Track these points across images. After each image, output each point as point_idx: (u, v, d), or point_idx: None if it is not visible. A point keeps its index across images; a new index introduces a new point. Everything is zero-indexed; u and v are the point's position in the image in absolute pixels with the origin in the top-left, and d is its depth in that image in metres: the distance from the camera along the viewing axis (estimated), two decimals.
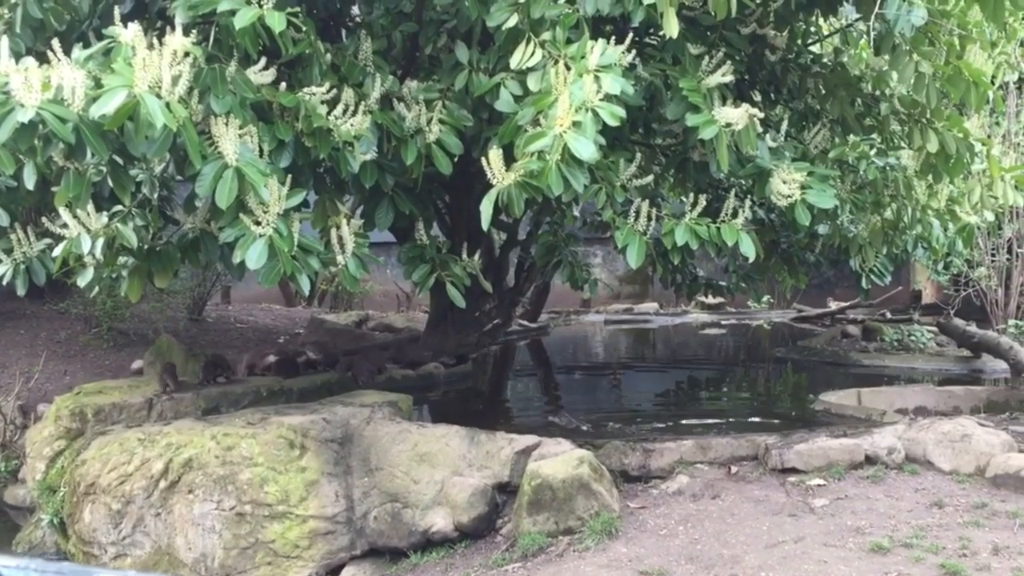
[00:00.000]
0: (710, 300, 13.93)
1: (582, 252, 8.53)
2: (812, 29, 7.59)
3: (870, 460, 5.29)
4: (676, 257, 5.88)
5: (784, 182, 5.65)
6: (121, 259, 5.28)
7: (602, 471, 4.99)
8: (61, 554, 5.56)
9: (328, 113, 5.13)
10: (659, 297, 16.06)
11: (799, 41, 7.28)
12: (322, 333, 10.15)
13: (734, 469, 5.35)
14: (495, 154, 4.85)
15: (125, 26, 4.53)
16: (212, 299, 11.09)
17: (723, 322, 14.00)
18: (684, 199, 8.20)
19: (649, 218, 5.59)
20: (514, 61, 5.21)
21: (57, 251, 5.01)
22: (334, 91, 5.23)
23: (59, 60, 4.33)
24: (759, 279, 9.08)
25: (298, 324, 11.37)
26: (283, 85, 5.16)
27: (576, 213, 8.39)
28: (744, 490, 5.07)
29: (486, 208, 4.89)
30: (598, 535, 4.64)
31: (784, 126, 6.37)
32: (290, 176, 4.94)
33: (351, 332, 10.50)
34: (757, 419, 7.14)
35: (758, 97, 7.20)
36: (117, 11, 4.80)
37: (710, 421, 7.04)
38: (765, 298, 14.60)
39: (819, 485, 5.05)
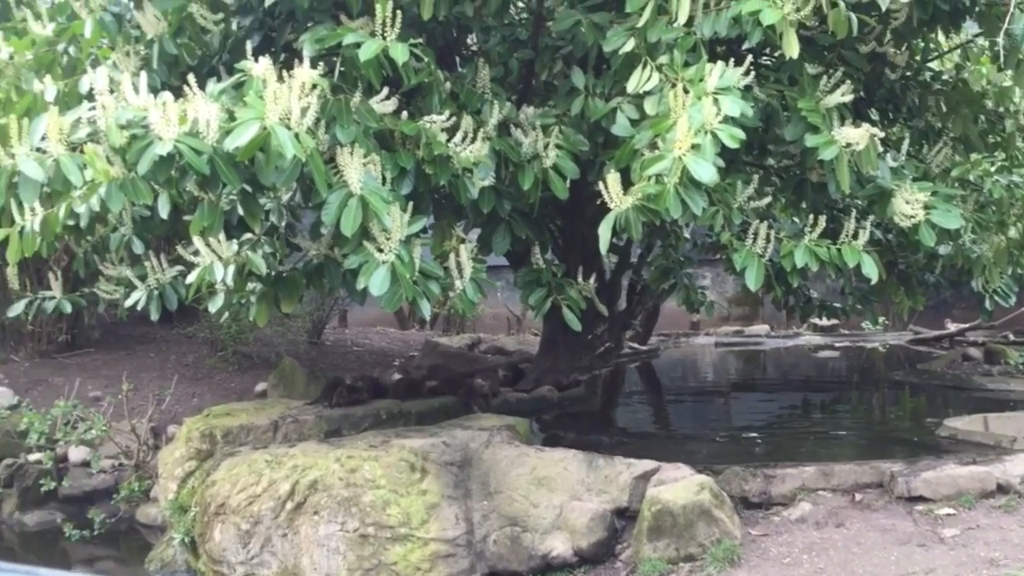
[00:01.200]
0: (823, 322, 13.59)
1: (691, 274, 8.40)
2: (931, 46, 7.39)
3: (1002, 489, 5.07)
4: (795, 279, 5.77)
5: (907, 202, 5.49)
6: (250, 285, 5.40)
7: (723, 497, 4.89)
8: (192, 573, 5.69)
9: (448, 140, 5.18)
10: (769, 319, 15.75)
11: (918, 58, 7.10)
12: (436, 356, 10.22)
13: (858, 497, 5.18)
14: (613, 178, 4.82)
15: (256, 60, 4.65)
16: (330, 322, 11.27)
17: (837, 344, 13.66)
18: (796, 220, 8.11)
19: (767, 240, 5.50)
20: (631, 85, 5.20)
21: (191, 278, 5.15)
22: (453, 119, 5.28)
23: (194, 94, 4.45)
24: (876, 301, 8.84)
25: (412, 347, 11.48)
26: (404, 114, 5.24)
27: (687, 235, 8.30)
28: (870, 518, 4.91)
29: (604, 232, 4.86)
30: (720, 562, 4.54)
31: (905, 145, 6.20)
32: (411, 203, 4.99)
33: (464, 355, 10.54)
34: (879, 445, 6.92)
35: (876, 116, 7.03)
36: (249, 45, 4.91)
37: (829, 448, 6.86)
38: (880, 320, 14.24)
39: (948, 514, 4.86)
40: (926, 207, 5.45)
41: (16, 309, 6.26)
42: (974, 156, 7.47)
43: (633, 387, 10.95)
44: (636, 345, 11.93)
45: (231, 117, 4.42)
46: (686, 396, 10.00)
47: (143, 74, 4.67)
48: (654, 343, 12.84)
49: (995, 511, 4.88)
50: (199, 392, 8.21)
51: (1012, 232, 7.53)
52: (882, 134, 5.74)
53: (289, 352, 9.11)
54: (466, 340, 12.00)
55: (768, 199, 5.97)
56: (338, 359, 9.97)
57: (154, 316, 5.86)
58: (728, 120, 4.59)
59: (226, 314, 5.70)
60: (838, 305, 8.99)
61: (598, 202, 7.37)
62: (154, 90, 4.67)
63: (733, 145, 4.56)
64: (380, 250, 4.76)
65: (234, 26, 5.88)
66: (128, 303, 5.92)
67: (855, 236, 5.56)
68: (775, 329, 14.95)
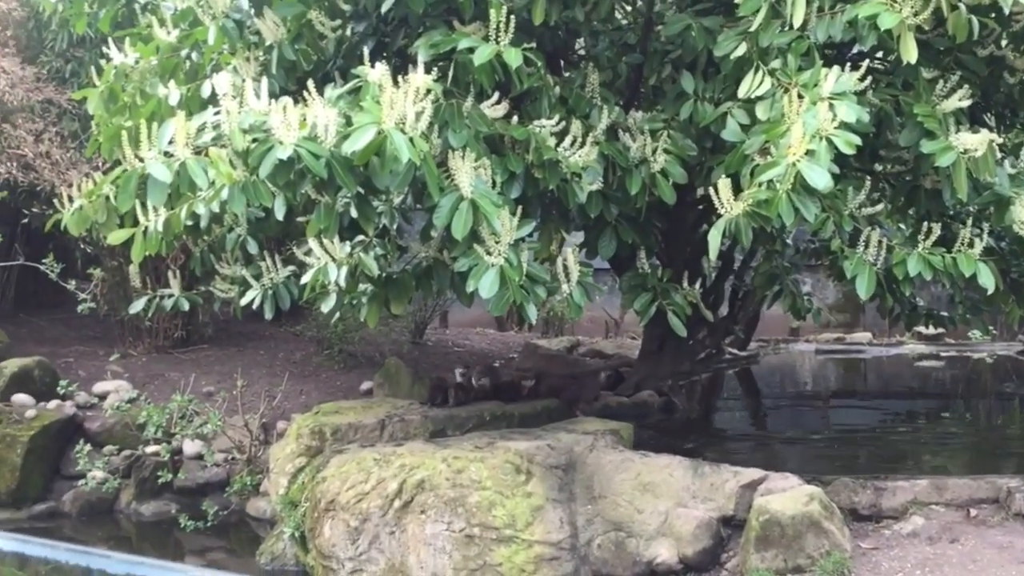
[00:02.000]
0: (927, 331, 13.20)
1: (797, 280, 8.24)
2: None
3: None
4: (908, 288, 5.65)
5: None
6: (361, 286, 5.46)
7: (832, 509, 4.78)
8: (300, 567, 5.78)
9: (557, 145, 5.17)
10: (871, 326, 15.38)
11: None
12: (536, 358, 10.21)
13: (973, 512, 5.02)
14: (724, 183, 4.76)
15: (372, 66, 4.70)
16: (431, 323, 11.35)
17: (942, 354, 13.25)
18: (902, 226, 7.90)
19: (879, 247, 5.36)
20: (742, 90, 5.12)
21: (306, 278, 5.24)
22: (562, 123, 5.27)
23: (313, 99, 4.52)
24: (987, 310, 8.55)
25: (512, 348, 11.49)
26: (514, 118, 5.24)
27: (789, 241, 8.15)
28: (985, 535, 4.75)
29: (714, 238, 4.79)
30: (829, 575, 4.43)
31: None
32: (519, 207, 4.98)
33: (564, 358, 10.52)
34: (991, 459, 6.70)
35: (993, 121, 6.80)
36: (365, 50, 4.97)
37: (939, 462, 6.66)
38: (988, 329, 13.78)
39: None
40: None
41: (137, 306, 6.45)
42: None
43: (734, 393, 10.79)
44: (736, 351, 11.75)
45: (348, 122, 4.47)
46: (786, 403, 9.81)
47: (264, 80, 4.75)
48: (754, 349, 12.62)
49: None
50: (306, 389, 8.34)
51: None
52: (1000, 140, 5.57)
53: (393, 352, 9.20)
54: (565, 343, 11.96)
55: (881, 206, 5.81)
56: (440, 359, 10.03)
57: (268, 315, 5.98)
58: (843, 126, 4.49)
59: (337, 314, 5.78)
60: (945, 314, 8.72)
61: (701, 207, 7.38)
62: (273, 95, 4.74)
63: (849, 151, 4.46)
64: (489, 253, 4.77)
65: (348, 32, 5.95)
66: (244, 301, 6.06)
67: (971, 244, 5.38)
68: (877, 337, 14.58)
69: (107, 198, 5.22)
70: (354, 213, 5.01)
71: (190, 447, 7.42)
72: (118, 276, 8.71)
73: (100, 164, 7.52)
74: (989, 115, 6.79)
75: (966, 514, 5.02)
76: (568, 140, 5.18)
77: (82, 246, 8.49)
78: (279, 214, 5.11)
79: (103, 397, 7.97)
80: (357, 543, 5.24)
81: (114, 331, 9.15)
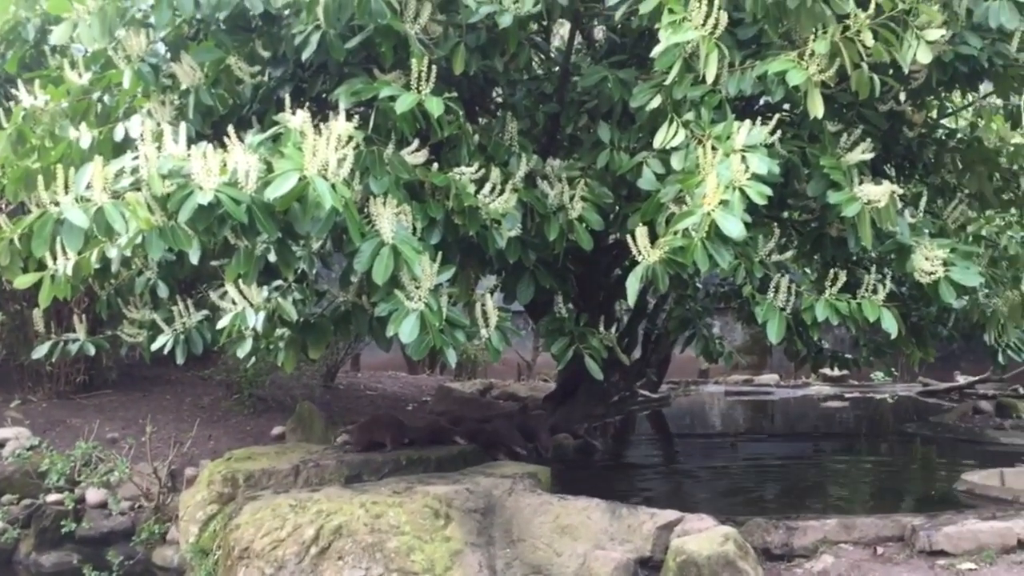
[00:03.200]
0: (832, 372, 13.63)
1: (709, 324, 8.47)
2: (946, 104, 7.53)
3: (1022, 544, 5.11)
4: (816, 332, 5.87)
5: (926, 259, 5.58)
6: (278, 331, 5.48)
7: (747, 548, 4.93)
8: None
9: (476, 192, 5.28)
10: (777, 368, 15.80)
11: (934, 115, 7.24)
12: (449, 402, 10.28)
13: (880, 550, 5.23)
14: (641, 231, 4.91)
15: (292, 112, 4.77)
16: (343, 367, 11.33)
17: (846, 395, 13.70)
18: (809, 272, 8.20)
19: (788, 293, 5.58)
20: (657, 140, 5.30)
21: (223, 323, 5.24)
22: (482, 170, 5.38)
23: (233, 145, 4.55)
24: (890, 352, 8.90)
25: (424, 392, 11.53)
26: (435, 165, 5.34)
27: (699, 285, 8.39)
28: (892, 572, 4.96)
29: (632, 284, 4.94)
30: None
31: (923, 201, 6.30)
32: (439, 252, 5.08)
33: (477, 401, 10.61)
34: (894, 498, 6.97)
35: (893, 172, 7.16)
36: (287, 98, 5.03)
37: (844, 501, 6.90)
38: (889, 371, 14.28)
39: (970, 570, 4.91)
40: (945, 264, 5.54)
41: (41, 351, 6.34)
42: (989, 212, 7.59)
43: (645, 435, 10.98)
44: (647, 393, 11.97)
45: (269, 168, 4.52)
46: (698, 445, 10.03)
47: (182, 124, 4.78)
48: (664, 391, 12.87)
49: (1016, 566, 4.93)
50: (215, 435, 8.24)
51: None
52: (901, 190, 5.86)
53: (304, 396, 9.16)
54: (478, 386, 12.04)
55: (790, 253, 6.06)
56: (352, 403, 10.02)
57: (180, 360, 5.95)
58: (755, 177, 4.70)
59: (252, 359, 5.77)
60: (850, 356, 9.05)
61: (615, 252, 7.57)
62: (189, 139, 4.77)
63: (761, 201, 4.66)
64: (410, 298, 4.84)
65: (266, 77, 6.00)
66: (155, 347, 6.00)
67: (874, 290, 5.63)
68: (784, 378, 14.99)
69: (11, 241, 5.13)
70: (273, 258, 5.05)
71: (94, 495, 7.26)
72: (18, 320, 8.53)
73: (3, 206, 7.38)
74: (890, 167, 7.15)
75: (873, 552, 5.22)
76: (488, 187, 5.30)
77: None
78: (194, 259, 5.11)
79: (2, 444, 7.76)
80: None
81: (13, 376, 8.93)
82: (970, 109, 7.80)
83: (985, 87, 6.95)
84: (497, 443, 7.20)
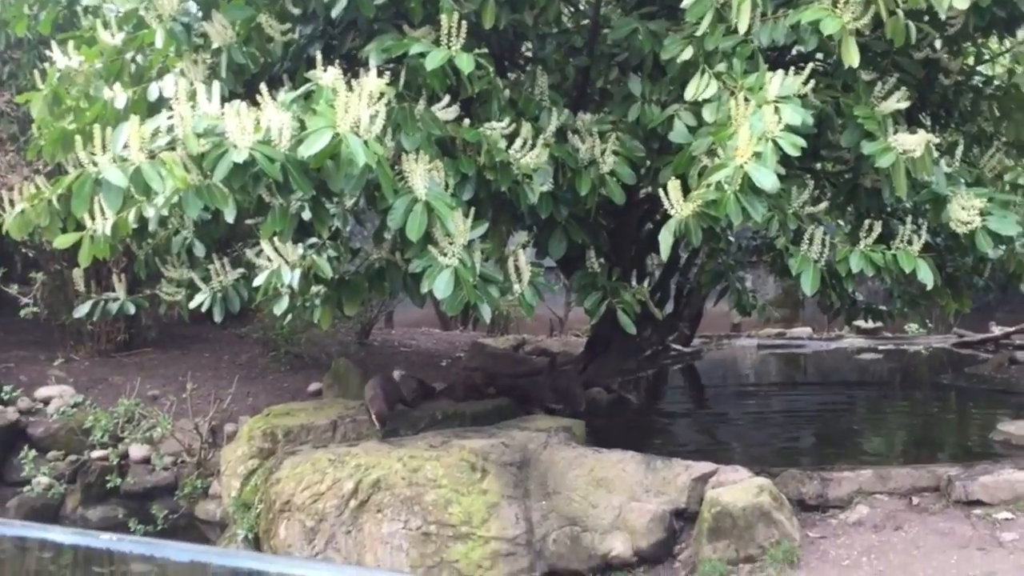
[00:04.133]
0: (865, 324, 13.54)
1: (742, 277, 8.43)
2: (983, 51, 7.38)
3: None
4: (850, 284, 5.84)
5: (963, 208, 5.50)
6: (313, 288, 5.50)
7: (782, 499, 4.95)
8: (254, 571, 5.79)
9: (508, 147, 5.26)
10: (810, 321, 15.70)
11: (970, 63, 7.10)
12: (483, 357, 10.29)
13: (915, 500, 5.23)
14: (674, 185, 4.88)
15: (324, 70, 4.76)
16: (377, 323, 11.39)
17: (880, 347, 13.59)
18: (843, 224, 8.13)
19: (822, 245, 5.53)
20: (689, 93, 5.26)
21: (259, 280, 5.26)
22: (512, 125, 5.36)
23: (266, 103, 4.56)
24: (924, 304, 8.82)
25: (458, 348, 11.57)
26: (466, 121, 5.33)
27: (732, 239, 8.35)
28: (928, 522, 4.96)
29: (666, 239, 4.92)
30: (779, 564, 4.61)
31: (959, 150, 6.21)
32: (472, 208, 5.07)
33: (511, 356, 10.62)
34: (932, 449, 6.95)
35: (929, 121, 7.04)
36: (318, 55, 5.01)
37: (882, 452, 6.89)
38: (924, 322, 14.17)
39: (1007, 519, 4.90)
40: (982, 213, 5.46)
41: (82, 310, 6.42)
42: None
43: (679, 389, 10.99)
44: (680, 347, 11.94)
45: (302, 125, 4.52)
46: (731, 397, 10.02)
47: (215, 83, 4.78)
48: (697, 345, 12.85)
49: None
50: (254, 391, 8.33)
51: None
52: (936, 140, 5.77)
53: (339, 352, 9.23)
54: (511, 341, 12.06)
55: (825, 204, 6.00)
56: (387, 359, 10.07)
57: (218, 318, 5.99)
58: (788, 128, 4.65)
59: (289, 316, 5.81)
60: (884, 308, 8.98)
61: (646, 206, 7.54)
62: (222, 98, 4.78)
63: (794, 153, 4.62)
64: (444, 254, 4.85)
65: (296, 35, 5.99)
66: (192, 305, 6.05)
67: (909, 241, 5.58)
68: (817, 331, 14.90)
69: (50, 202, 5.20)
70: (308, 215, 5.08)
71: (137, 451, 7.39)
72: (59, 280, 8.62)
73: (41, 167, 7.45)
74: (925, 115, 7.02)
75: (909, 502, 5.23)
76: (518, 142, 5.28)
77: (23, 250, 8.39)
78: (229, 217, 5.12)
79: (46, 402, 7.90)
80: (313, 543, 5.30)
81: (55, 335, 9.05)
82: (1007, 55, 7.63)
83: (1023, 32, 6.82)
84: (532, 398, 7.23)
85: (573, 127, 5.78)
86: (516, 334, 13.05)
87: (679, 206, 4.85)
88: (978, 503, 5.05)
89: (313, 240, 5.37)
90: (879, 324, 12.40)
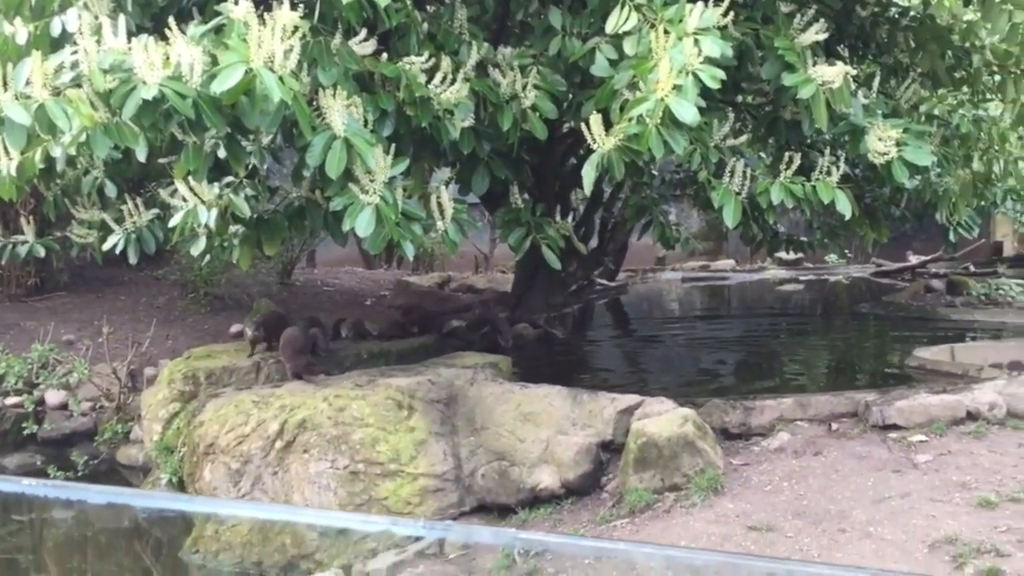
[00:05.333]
0: (787, 256, 13.82)
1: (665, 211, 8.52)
2: None
3: (971, 416, 5.28)
4: (771, 216, 5.95)
5: (880, 139, 5.60)
6: (232, 228, 5.43)
7: (705, 429, 5.05)
8: (178, 512, 5.77)
9: (427, 82, 5.20)
10: (733, 253, 15.99)
11: None
12: (408, 295, 10.31)
13: (834, 426, 5.38)
14: (596, 119, 4.88)
15: (236, 2, 4.64)
16: (299, 263, 11.31)
17: (801, 278, 13.93)
18: (762, 156, 8.24)
19: (743, 177, 5.60)
20: (609, 25, 5.22)
21: (175, 221, 5.18)
22: (432, 60, 5.30)
23: (176, 37, 4.43)
24: (844, 235, 9.02)
25: (382, 286, 11.56)
26: (384, 56, 5.25)
27: (655, 172, 8.42)
28: (846, 447, 5.11)
29: (588, 173, 4.93)
30: (704, 491, 4.72)
31: (876, 82, 6.30)
32: (392, 145, 5.03)
33: (436, 294, 10.66)
34: (849, 375, 7.15)
35: (847, 53, 7.13)
36: None
37: (801, 379, 7.07)
38: (843, 253, 14.49)
39: (921, 441, 5.07)
40: (898, 144, 5.57)
41: None
42: (941, 91, 7.62)
43: (605, 324, 11.12)
44: (605, 282, 12.08)
45: (214, 61, 4.42)
46: (656, 331, 10.17)
47: (121, 17, 4.63)
48: (622, 279, 13.01)
49: (965, 437, 5.09)
50: (173, 334, 8.24)
51: (976, 165, 7.73)
52: (855, 72, 5.85)
53: (261, 293, 9.17)
54: (436, 279, 12.10)
55: (745, 137, 6.07)
56: (310, 299, 10.04)
57: (133, 259, 5.90)
58: (708, 61, 4.67)
59: (207, 257, 5.74)
60: (805, 239, 9.17)
61: (569, 141, 7.55)
62: (129, 33, 4.64)
63: (714, 85, 4.64)
64: (364, 192, 4.81)
65: None
66: (106, 247, 5.95)
67: (828, 173, 5.67)
68: (740, 263, 15.17)
69: None
70: (223, 153, 4.99)
71: (54, 397, 7.28)
72: None
73: None
74: (843, 47, 7.11)
75: (828, 428, 5.38)
76: (438, 77, 5.22)
77: None
78: (141, 156, 5.04)
79: None
80: (239, 485, 5.29)
81: None
82: None
83: None
84: (458, 335, 7.27)
85: (494, 61, 5.73)
86: (441, 271, 13.08)
87: (601, 140, 4.86)
88: (894, 427, 5.21)
89: (229, 179, 5.29)
90: (800, 255, 12.72)
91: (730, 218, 5.50)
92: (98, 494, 2.29)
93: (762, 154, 8.21)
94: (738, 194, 5.55)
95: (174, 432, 5.92)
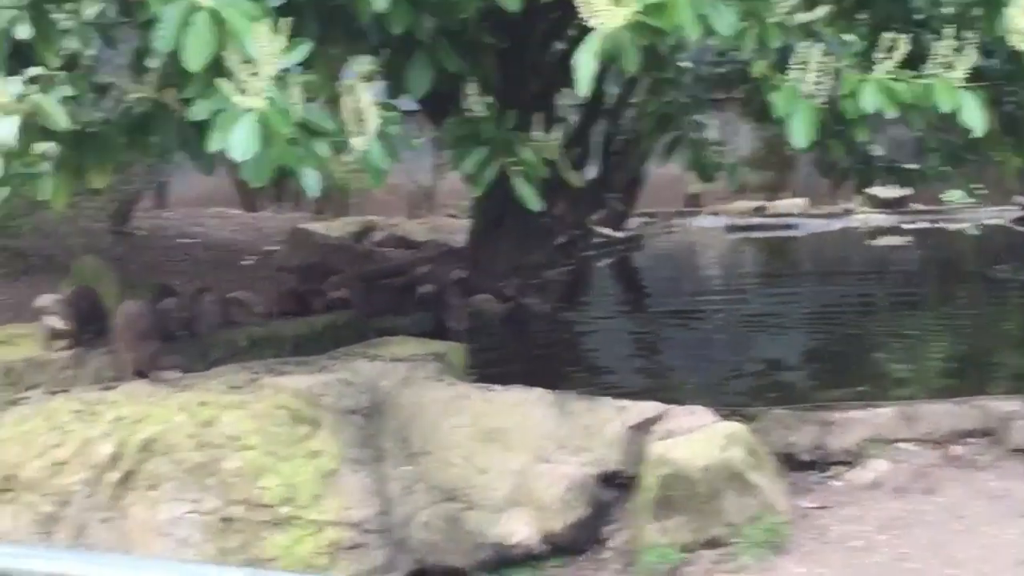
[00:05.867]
0: (885, 193, 13.85)
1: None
2: None
3: None
4: (862, 131, 5.96)
5: None
6: (40, 147, 5.41)
7: (760, 455, 5.11)
8: None
9: None
10: (804, 190, 15.99)
11: None
12: (309, 251, 10.30)
13: (956, 450, 5.45)
14: None
15: None
16: (141, 202, 11.27)
17: (906, 226, 13.94)
18: (849, 38, 8.25)
19: (822, 71, 5.60)
20: None
21: None
22: None
23: None
24: (973, 160, 9.05)
25: (269, 237, 11.55)
26: None
27: (685, 63, 8.41)
28: (973, 481, 5.18)
29: (585, 63, 4.93)
30: (759, 547, 4.77)
31: None
32: (286, 20, 4.99)
33: (351, 249, 10.65)
34: (977, 376, 7.21)
35: None
36: None
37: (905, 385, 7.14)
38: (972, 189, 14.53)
39: None
40: None
41: None
42: None
43: (608, 295, 11.14)
44: (609, 231, 12.08)
45: None
46: (686, 305, 10.18)
47: None
48: (635, 228, 13.01)
49: None
50: None
51: None
52: None
53: (86, 248, 9.11)
54: (352, 227, 12.07)
55: (823, 10, 6.05)
56: (160, 255, 10.02)
57: None
58: None
59: (4, 191, 5.71)
60: (914, 167, 9.19)
61: (555, 16, 7.53)
62: None
63: None
64: (242, 91, 4.78)
65: None
66: None
67: (949, 66, 5.68)
68: (814, 205, 15.19)
69: None
70: (27, 32, 4.95)
71: None
72: None
73: None
74: None
75: (946, 453, 5.44)
76: None
77: None
78: None
79: None
80: (53, 535, 5.29)
81: None
82: None
83: None
84: (384, 311, 7.29)
85: None
86: (359, 216, 13.05)
87: (606, 13, 4.85)
88: None
89: (37, 71, 5.24)
90: (905, 192, 12.77)
91: (801, 134, 5.52)
92: None
93: (848, 36, 8.22)
94: (813, 97, 5.57)
95: None
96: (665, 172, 9.99)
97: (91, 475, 5.27)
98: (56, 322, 6.33)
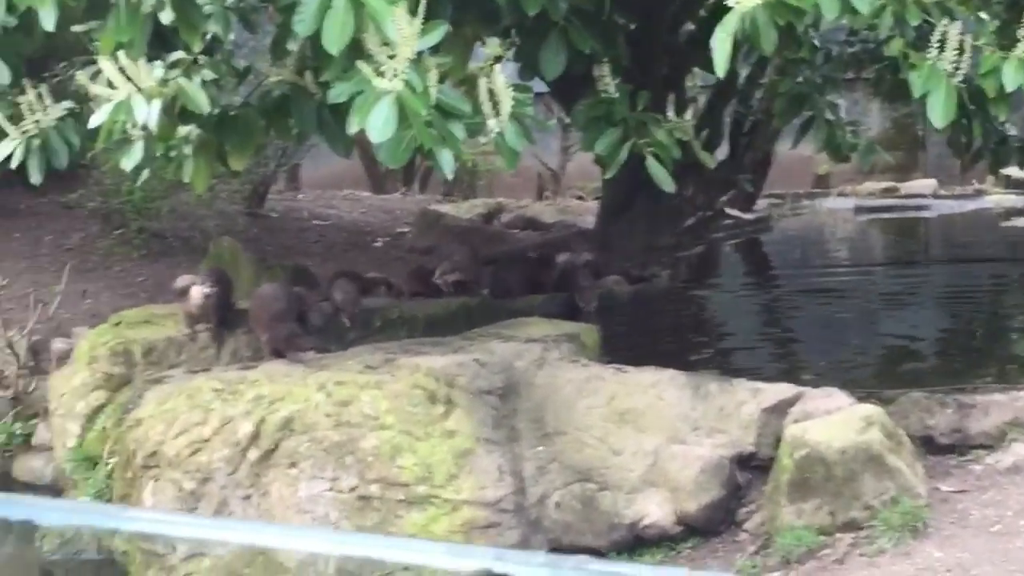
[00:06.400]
0: (1020, 174, 13.58)
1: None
2: None
3: None
4: (1002, 110, 5.85)
5: None
6: (181, 130, 5.47)
7: (899, 437, 5.02)
8: (104, 553, 5.86)
9: None
10: (935, 171, 15.76)
11: None
12: (438, 233, 10.33)
13: None
14: None
15: None
16: (275, 184, 11.37)
17: None
18: (986, 16, 8.08)
19: (960, 50, 5.49)
20: None
21: (97, 119, 5.21)
22: None
23: None
24: None
25: (399, 219, 11.60)
26: None
27: (817, 44, 8.32)
28: None
29: (722, 43, 4.87)
30: (897, 531, 4.70)
31: None
32: (422, 3, 4.99)
33: (481, 231, 10.67)
34: None
35: None
36: None
37: None
38: None
39: None
40: None
41: None
42: None
43: (738, 276, 11.06)
44: (739, 213, 11.99)
45: None
46: (816, 285, 10.08)
47: None
48: (764, 209, 12.91)
49: None
50: (94, 289, 8.32)
51: None
52: None
53: (222, 229, 9.20)
54: (480, 208, 12.09)
55: None
56: (293, 238, 10.09)
57: (36, 179, 5.92)
58: None
59: (145, 173, 5.78)
60: None
61: None
62: None
63: None
64: (380, 74, 4.78)
65: None
66: None
67: None
68: (945, 186, 14.97)
69: None
70: (169, 17, 4.99)
71: None
72: None
73: None
74: None
75: None
76: None
77: None
78: (48, 23, 5.05)
79: None
80: (196, 512, 5.35)
81: None
82: None
83: None
84: (515, 292, 7.30)
85: None
86: (487, 198, 13.08)
87: None
88: None
89: (179, 55, 5.30)
90: None
91: (939, 113, 5.41)
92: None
93: (984, 14, 8.05)
94: (951, 76, 5.46)
95: (98, 435, 6.02)
96: (793, 153, 9.90)
97: (232, 453, 5.34)
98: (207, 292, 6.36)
